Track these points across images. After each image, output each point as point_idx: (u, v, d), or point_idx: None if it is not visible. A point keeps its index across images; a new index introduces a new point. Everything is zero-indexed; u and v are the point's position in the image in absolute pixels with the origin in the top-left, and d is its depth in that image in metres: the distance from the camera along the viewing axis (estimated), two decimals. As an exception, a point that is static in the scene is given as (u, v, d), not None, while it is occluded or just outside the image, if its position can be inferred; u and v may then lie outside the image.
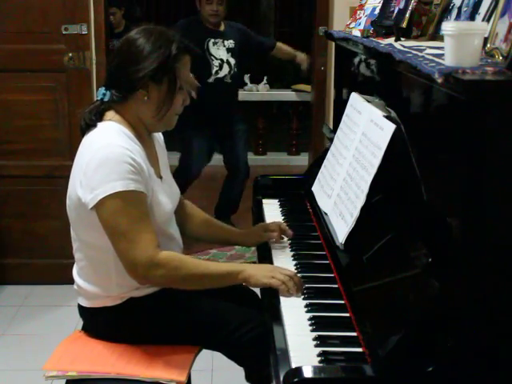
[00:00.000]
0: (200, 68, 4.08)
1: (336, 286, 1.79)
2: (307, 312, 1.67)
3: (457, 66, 1.32)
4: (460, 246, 1.34)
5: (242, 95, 4.83)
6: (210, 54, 4.18)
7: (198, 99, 3.70)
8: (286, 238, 2.13)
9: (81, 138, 1.90)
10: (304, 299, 1.74)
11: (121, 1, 5.28)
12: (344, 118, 2.13)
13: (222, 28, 4.29)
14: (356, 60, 2.34)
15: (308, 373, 1.36)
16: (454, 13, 1.77)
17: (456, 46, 1.33)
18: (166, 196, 1.95)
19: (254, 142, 6.46)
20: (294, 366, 1.43)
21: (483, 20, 1.58)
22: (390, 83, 1.93)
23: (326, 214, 2.04)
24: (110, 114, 1.89)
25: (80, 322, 2.06)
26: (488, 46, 1.46)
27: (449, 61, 1.35)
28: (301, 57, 4.53)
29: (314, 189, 2.23)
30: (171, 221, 2.02)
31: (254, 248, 2.29)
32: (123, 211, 1.76)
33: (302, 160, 5.65)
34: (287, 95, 6.26)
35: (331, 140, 2.25)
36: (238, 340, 1.90)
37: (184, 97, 1.92)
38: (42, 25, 3.42)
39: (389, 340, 1.37)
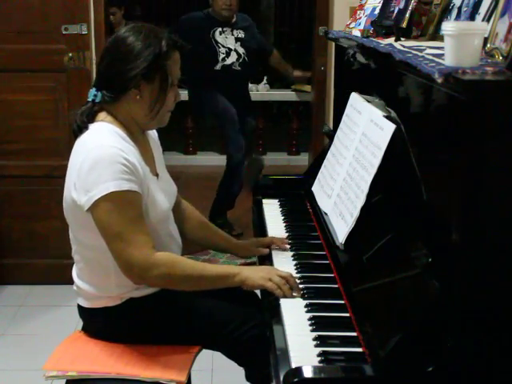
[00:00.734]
0: (207, 56, 4.08)
1: (336, 286, 1.79)
2: (307, 312, 1.67)
3: (457, 66, 1.32)
4: (460, 246, 1.34)
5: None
6: (217, 42, 4.16)
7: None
8: (285, 238, 2.13)
9: (77, 140, 1.90)
10: (304, 299, 1.74)
11: (121, 1, 5.28)
12: (344, 118, 2.13)
13: (234, 20, 4.28)
14: (356, 60, 2.34)
15: (308, 373, 1.36)
16: (454, 13, 1.77)
17: (456, 46, 1.33)
18: (162, 194, 1.94)
19: (254, 142, 6.46)
20: (293, 365, 1.43)
21: (483, 20, 1.58)
22: (390, 83, 1.93)
23: (326, 213, 2.04)
24: (102, 114, 1.88)
25: (80, 322, 2.06)
26: (488, 46, 1.45)
27: (449, 61, 1.35)
28: (291, 69, 4.59)
29: (314, 189, 2.23)
30: (169, 219, 2.02)
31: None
32: (117, 212, 1.75)
33: (302, 160, 5.65)
34: (287, 95, 6.25)
35: (331, 140, 2.25)
36: (238, 339, 1.90)
37: (176, 93, 1.91)
38: (41, 25, 3.42)
39: (389, 340, 1.37)
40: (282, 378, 1.39)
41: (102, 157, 1.76)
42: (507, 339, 1.36)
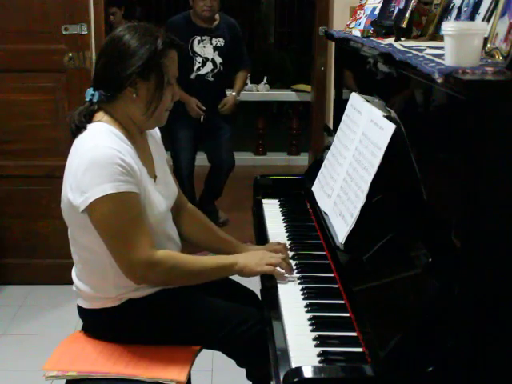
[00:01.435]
0: (183, 65, 4.08)
1: (336, 286, 1.79)
2: (307, 312, 1.67)
3: (457, 66, 1.32)
4: (460, 246, 1.34)
5: (242, 95, 4.81)
6: (194, 52, 4.20)
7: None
8: (286, 238, 2.13)
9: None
10: (304, 299, 1.74)
11: (121, 1, 5.28)
12: (344, 117, 2.13)
13: (216, 23, 4.28)
14: (356, 60, 2.33)
15: (308, 373, 1.36)
16: (454, 13, 1.77)
17: (456, 46, 1.33)
18: (159, 196, 1.93)
19: (254, 142, 6.46)
20: (293, 365, 1.43)
21: (483, 20, 1.58)
22: (390, 83, 1.93)
23: (326, 213, 2.04)
24: (100, 114, 1.88)
25: (80, 323, 2.06)
26: (488, 46, 1.45)
27: (449, 61, 1.35)
28: (231, 96, 4.42)
29: (313, 189, 2.23)
30: (167, 220, 2.01)
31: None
32: (116, 214, 1.75)
33: (302, 160, 5.66)
34: (287, 95, 6.26)
35: (331, 140, 2.25)
36: (238, 338, 1.90)
37: (173, 92, 1.91)
38: (42, 25, 3.41)
39: (389, 340, 1.37)
40: (281, 378, 1.39)
41: (97, 158, 1.75)
42: (507, 339, 1.36)
